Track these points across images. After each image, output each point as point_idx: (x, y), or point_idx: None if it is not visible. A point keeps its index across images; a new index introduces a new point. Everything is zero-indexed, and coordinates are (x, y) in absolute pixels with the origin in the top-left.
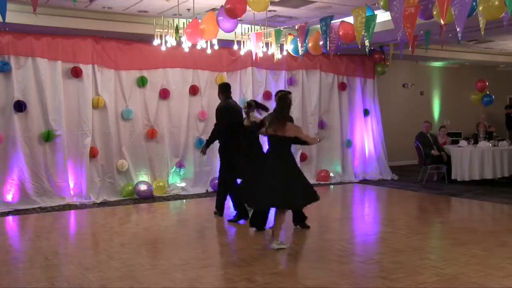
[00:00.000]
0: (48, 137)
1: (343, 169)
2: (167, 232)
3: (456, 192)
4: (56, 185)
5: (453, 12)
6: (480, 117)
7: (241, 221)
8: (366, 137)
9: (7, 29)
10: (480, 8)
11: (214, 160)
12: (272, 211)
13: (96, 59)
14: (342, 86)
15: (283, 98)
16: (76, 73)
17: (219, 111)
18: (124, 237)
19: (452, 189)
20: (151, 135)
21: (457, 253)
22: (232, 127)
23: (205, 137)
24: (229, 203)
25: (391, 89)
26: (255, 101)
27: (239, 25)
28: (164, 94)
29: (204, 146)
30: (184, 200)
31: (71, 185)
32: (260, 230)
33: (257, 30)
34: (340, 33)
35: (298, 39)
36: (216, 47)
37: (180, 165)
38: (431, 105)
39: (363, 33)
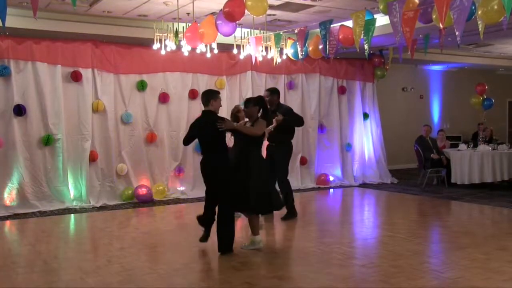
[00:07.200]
0: (47, 141)
1: (343, 172)
2: (166, 236)
3: (455, 195)
4: (56, 189)
5: (452, 16)
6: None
7: None
8: (366, 140)
9: (7, 33)
10: (479, 12)
11: None
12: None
13: (96, 63)
14: (342, 90)
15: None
16: (76, 77)
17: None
18: (123, 241)
19: (452, 192)
20: (151, 139)
21: (457, 256)
22: None
23: None
24: None
25: (390, 92)
26: None
27: (239, 29)
28: (164, 98)
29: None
30: (184, 204)
31: (71, 189)
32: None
33: (256, 34)
34: (340, 37)
35: (297, 43)
36: (215, 51)
37: (179, 169)
38: (431, 108)
39: (362, 37)
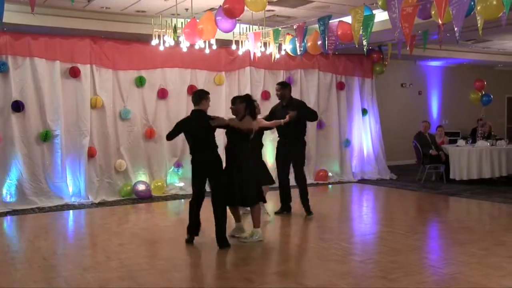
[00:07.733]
0: (46, 137)
1: (342, 168)
2: (165, 232)
3: (454, 191)
4: (54, 185)
5: (451, 12)
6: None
7: None
8: (365, 136)
9: (5, 29)
10: (478, 8)
11: None
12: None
13: (94, 59)
14: (341, 86)
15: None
16: (74, 73)
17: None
18: (122, 237)
19: (450, 188)
20: (150, 135)
21: (456, 252)
22: None
23: None
24: None
25: (389, 88)
26: None
27: (238, 25)
28: (162, 94)
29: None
30: (182, 200)
31: (69, 185)
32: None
33: (255, 30)
34: (339, 32)
35: (296, 39)
36: (214, 47)
37: (178, 165)
38: (429, 104)
39: (361, 32)
